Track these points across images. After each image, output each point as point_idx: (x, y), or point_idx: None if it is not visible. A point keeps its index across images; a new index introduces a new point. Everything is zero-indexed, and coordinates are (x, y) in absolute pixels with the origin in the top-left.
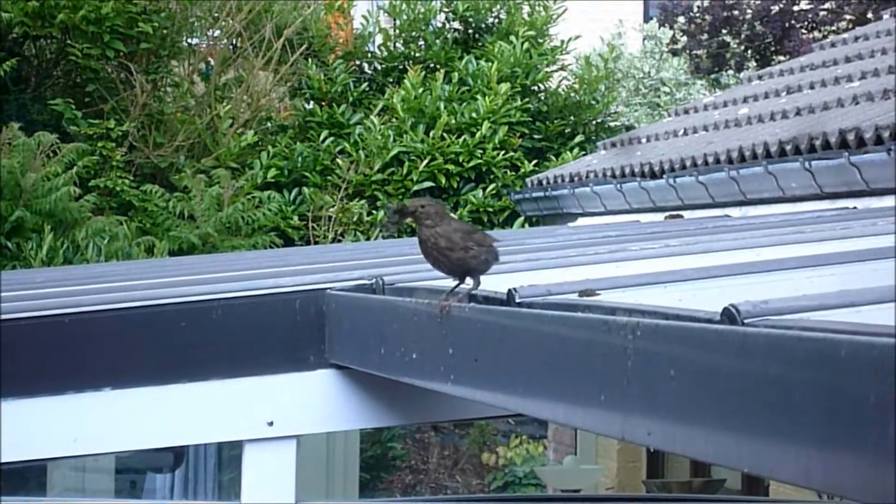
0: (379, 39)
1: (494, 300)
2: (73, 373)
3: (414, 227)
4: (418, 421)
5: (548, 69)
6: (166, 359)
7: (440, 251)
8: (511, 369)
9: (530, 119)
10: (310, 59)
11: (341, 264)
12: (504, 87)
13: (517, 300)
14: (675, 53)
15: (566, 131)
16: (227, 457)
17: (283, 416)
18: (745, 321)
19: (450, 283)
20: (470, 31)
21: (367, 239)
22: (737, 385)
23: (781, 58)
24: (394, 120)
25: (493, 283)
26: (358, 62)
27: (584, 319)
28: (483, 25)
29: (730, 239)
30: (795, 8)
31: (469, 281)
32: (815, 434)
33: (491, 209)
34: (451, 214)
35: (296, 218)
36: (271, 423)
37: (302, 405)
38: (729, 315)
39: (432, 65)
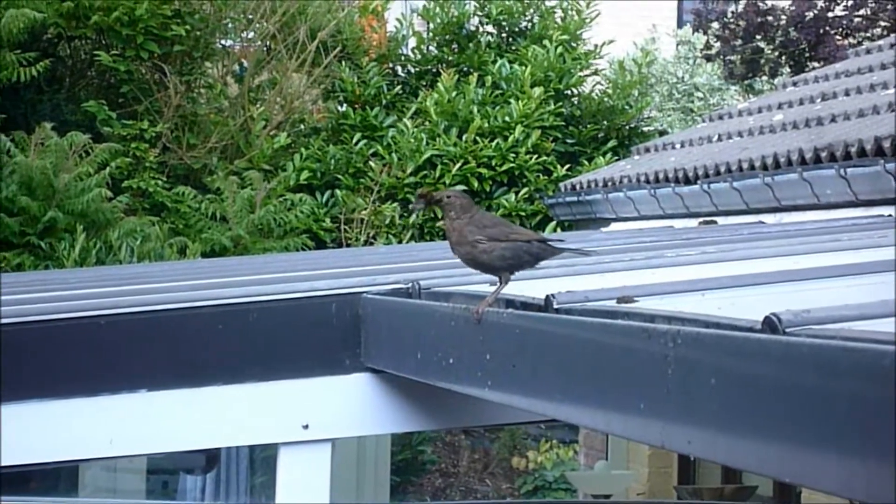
0: (412, 42)
1: (532, 306)
2: (109, 374)
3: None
4: (453, 426)
5: (581, 73)
6: (202, 361)
7: (452, 245)
8: (549, 376)
9: (563, 123)
10: (343, 62)
11: (377, 268)
12: (537, 91)
13: (555, 306)
14: (708, 59)
15: (599, 136)
16: (260, 459)
17: (319, 419)
18: (787, 330)
19: (487, 288)
20: (503, 34)
21: (400, 242)
22: (779, 394)
23: (816, 64)
24: (427, 123)
25: (530, 288)
26: (391, 65)
27: (623, 327)
28: (517, 29)
29: (766, 246)
30: (830, 14)
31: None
32: (859, 445)
33: (523, 213)
34: (482, 210)
35: (328, 220)
36: (306, 427)
37: (337, 409)
38: (770, 324)
39: (466, 68)
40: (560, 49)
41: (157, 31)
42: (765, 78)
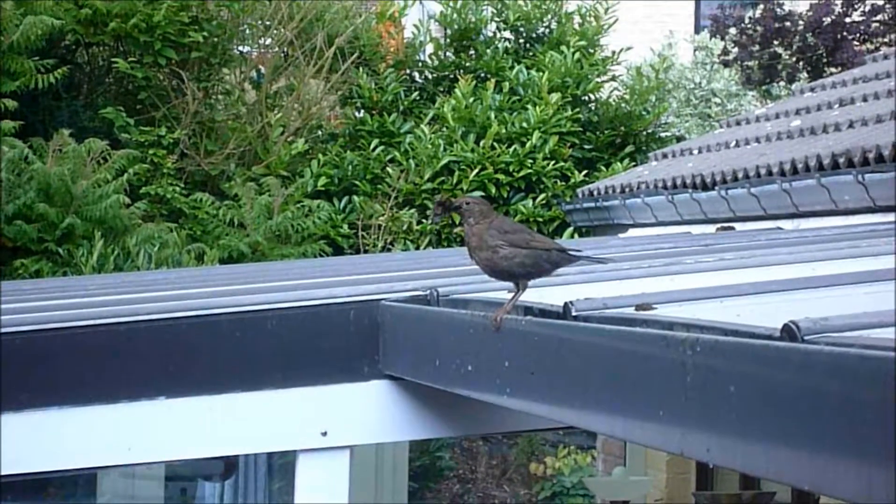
0: (430, 48)
1: (551, 313)
2: (128, 381)
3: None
4: (471, 433)
5: (598, 79)
6: (220, 368)
7: (472, 250)
8: (568, 383)
9: (581, 129)
10: (361, 68)
11: (395, 275)
12: (555, 96)
13: (573, 313)
14: (726, 64)
15: (616, 142)
16: (278, 466)
17: (337, 426)
18: (806, 338)
19: (505, 294)
20: (521, 40)
21: (417, 248)
22: (797, 402)
23: (833, 69)
24: (444, 129)
25: (548, 295)
26: (409, 71)
27: (642, 334)
28: (534, 35)
29: (784, 253)
30: (848, 20)
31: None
32: (877, 452)
33: (540, 219)
34: (501, 215)
35: (345, 226)
36: (325, 434)
37: (356, 416)
38: (789, 332)
39: (483, 74)
40: (578, 55)
41: (175, 38)
42: (782, 83)
